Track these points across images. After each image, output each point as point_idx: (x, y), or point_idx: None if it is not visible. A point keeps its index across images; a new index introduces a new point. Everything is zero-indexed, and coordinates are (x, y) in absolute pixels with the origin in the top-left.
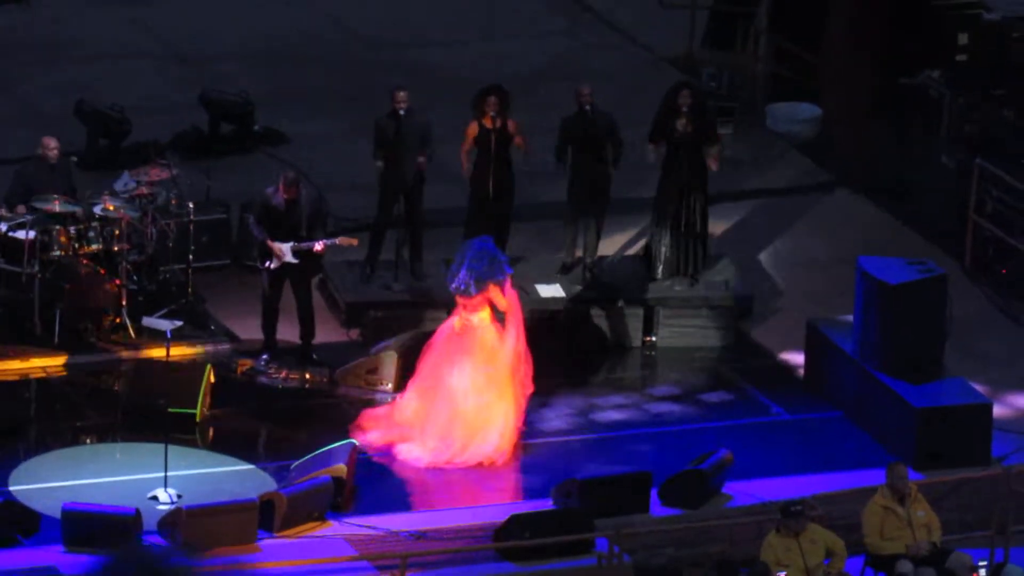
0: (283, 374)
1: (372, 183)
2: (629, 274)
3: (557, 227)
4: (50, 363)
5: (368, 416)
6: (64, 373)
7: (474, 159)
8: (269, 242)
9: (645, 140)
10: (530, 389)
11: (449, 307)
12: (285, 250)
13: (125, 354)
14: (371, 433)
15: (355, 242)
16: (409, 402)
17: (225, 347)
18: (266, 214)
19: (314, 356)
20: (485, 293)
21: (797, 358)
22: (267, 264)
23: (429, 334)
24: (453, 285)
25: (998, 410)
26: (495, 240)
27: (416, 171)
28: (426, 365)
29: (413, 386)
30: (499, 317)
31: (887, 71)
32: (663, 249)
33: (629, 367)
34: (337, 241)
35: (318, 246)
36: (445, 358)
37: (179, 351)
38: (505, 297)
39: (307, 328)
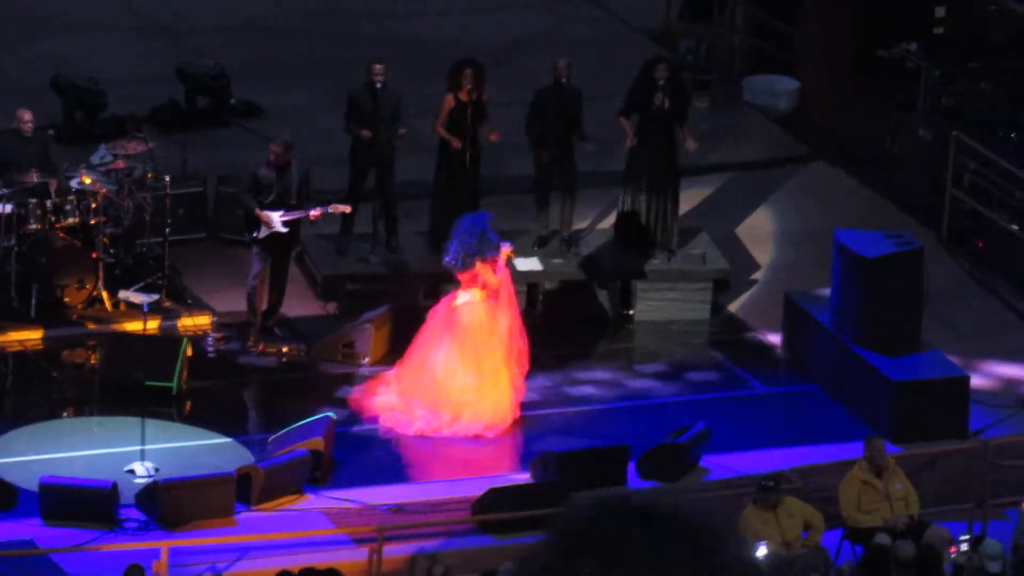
0: (260, 347)
1: (346, 156)
2: (605, 247)
3: (527, 200)
4: (27, 336)
5: (363, 386)
6: (41, 347)
7: (447, 131)
8: (257, 211)
9: (616, 115)
10: (525, 367)
11: (424, 279)
12: (274, 219)
13: (101, 327)
14: (365, 401)
15: (348, 209)
16: (402, 372)
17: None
18: (255, 183)
19: (276, 330)
20: (473, 270)
21: (774, 331)
22: (255, 234)
23: (406, 306)
24: (445, 259)
25: (975, 382)
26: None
27: (389, 143)
28: (419, 338)
29: (408, 356)
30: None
31: (864, 43)
32: (635, 222)
33: (606, 341)
34: (331, 208)
35: (314, 212)
36: (433, 334)
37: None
38: (496, 275)
39: (276, 299)
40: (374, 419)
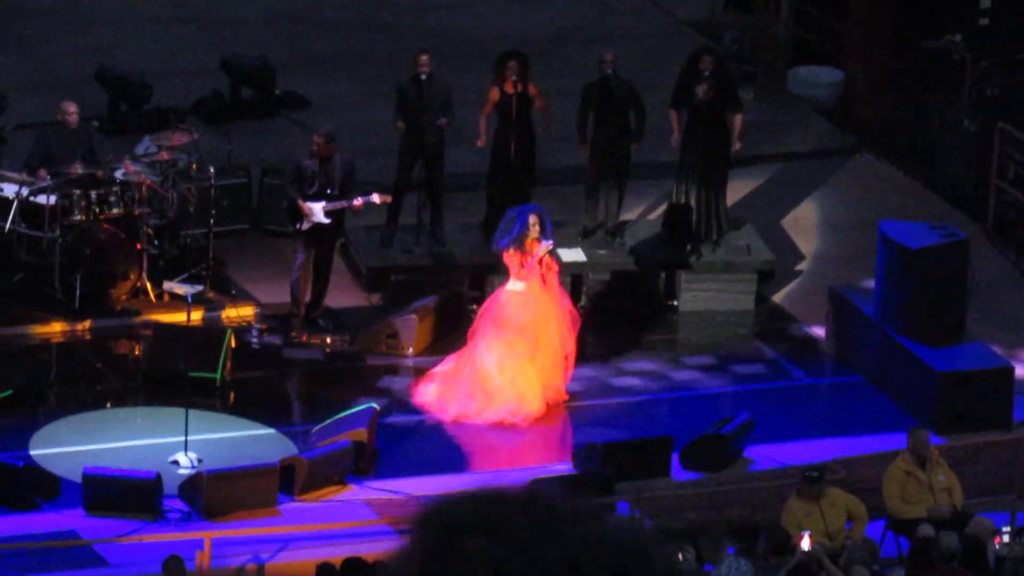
0: (303, 338)
1: (393, 147)
2: (651, 239)
3: (577, 192)
4: (71, 328)
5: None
6: (85, 338)
7: (495, 126)
8: (300, 202)
9: (667, 106)
10: (570, 347)
11: (469, 271)
12: (316, 210)
13: (146, 319)
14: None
15: (389, 199)
16: (456, 359)
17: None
18: (299, 175)
19: (320, 321)
20: (506, 258)
21: (819, 322)
22: (298, 226)
23: (450, 298)
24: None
25: (1020, 373)
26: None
27: (436, 134)
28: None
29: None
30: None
31: (909, 35)
32: (685, 214)
33: (651, 331)
34: (373, 198)
35: (356, 202)
36: (479, 322)
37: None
38: (527, 267)
39: (320, 291)
40: (419, 409)
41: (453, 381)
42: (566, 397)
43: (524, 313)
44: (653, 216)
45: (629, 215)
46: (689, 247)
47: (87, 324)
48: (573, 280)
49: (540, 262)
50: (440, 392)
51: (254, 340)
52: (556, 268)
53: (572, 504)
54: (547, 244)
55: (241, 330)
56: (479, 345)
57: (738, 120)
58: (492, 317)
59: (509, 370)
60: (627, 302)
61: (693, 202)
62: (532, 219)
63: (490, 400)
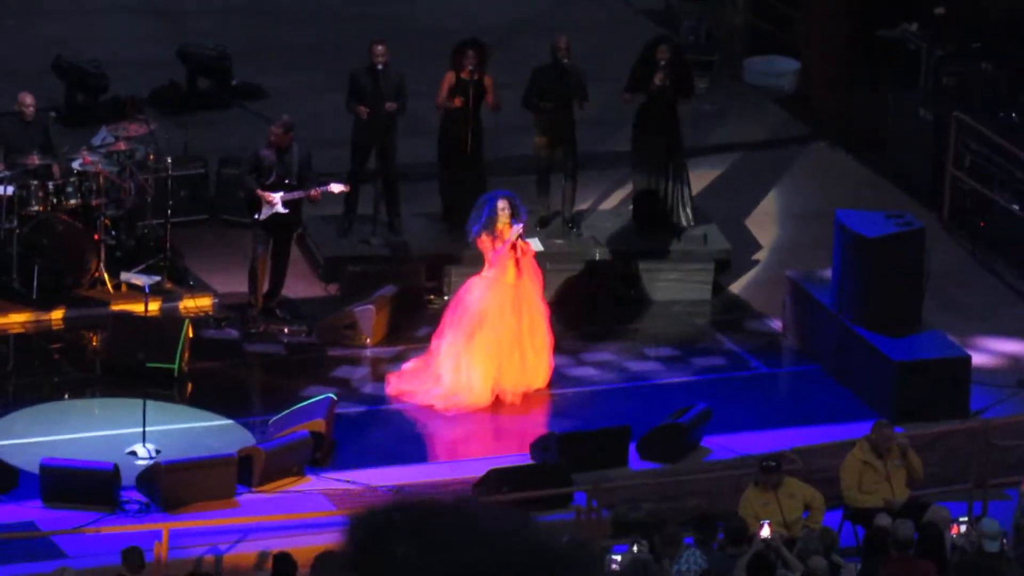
0: (261, 328)
1: (347, 138)
2: (607, 228)
3: (529, 181)
4: (28, 318)
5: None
6: (42, 328)
7: (445, 112)
8: (259, 191)
9: (620, 95)
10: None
11: (426, 261)
12: (276, 199)
13: (103, 309)
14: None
15: (346, 188)
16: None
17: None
18: (256, 165)
19: (277, 312)
20: (480, 245)
21: (776, 312)
22: (256, 216)
23: (408, 288)
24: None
25: (976, 362)
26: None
27: (390, 124)
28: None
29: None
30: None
31: (865, 24)
32: (653, 203)
33: (609, 321)
34: (331, 187)
35: (314, 192)
36: (447, 309)
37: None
38: (497, 253)
39: (278, 281)
40: (382, 398)
41: (421, 370)
42: (542, 388)
43: (488, 299)
44: (608, 205)
45: (584, 204)
46: (646, 236)
47: (45, 315)
48: None
49: (513, 247)
50: (409, 382)
51: (211, 333)
52: (532, 252)
53: (501, 513)
54: (517, 228)
55: (199, 320)
56: (442, 332)
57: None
58: (454, 302)
59: (457, 357)
60: (585, 292)
61: (655, 189)
62: (501, 204)
63: (437, 385)
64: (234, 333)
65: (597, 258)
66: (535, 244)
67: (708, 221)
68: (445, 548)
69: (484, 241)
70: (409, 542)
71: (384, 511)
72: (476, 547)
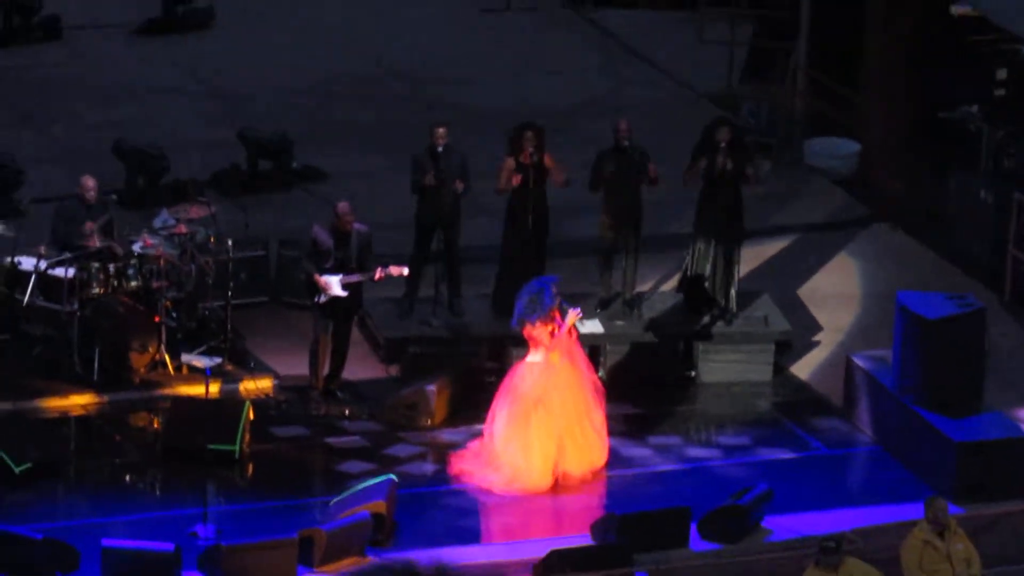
0: (323, 410)
1: (409, 220)
2: (668, 309)
3: (593, 261)
4: (89, 401)
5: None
6: (103, 411)
7: (510, 196)
8: (316, 276)
9: (680, 177)
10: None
11: (487, 342)
12: (333, 284)
13: (164, 391)
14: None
15: (405, 271)
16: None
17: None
18: (316, 248)
19: (338, 394)
20: (529, 331)
21: (836, 393)
22: (316, 299)
23: (469, 369)
24: (512, 322)
25: None
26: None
27: (453, 204)
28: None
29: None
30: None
31: (925, 106)
32: (699, 284)
33: (669, 402)
34: (391, 270)
35: (377, 275)
36: (500, 393)
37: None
38: (555, 337)
39: (339, 363)
40: (442, 479)
41: (480, 453)
42: (602, 467)
43: (542, 383)
44: (669, 286)
45: (645, 285)
46: (707, 318)
47: (106, 397)
48: (591, 351)
49: (568, 331)
50: (470, 464)
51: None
52: (576, 334)
53: None
54: (576, 311)
55: (259, 402)
56: (494, 418)
57: (752, 178)
58: (506, 389)
59: (511, 441)
60: (645, 373)
61: (707, 271)
62: (554, 289)
63: (498, 470)
64: (295, 414)
65: (658, 339)
66: (594, 326)
67: (769, 303)
68: None
69: (539, 327)
70: None
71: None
72: None
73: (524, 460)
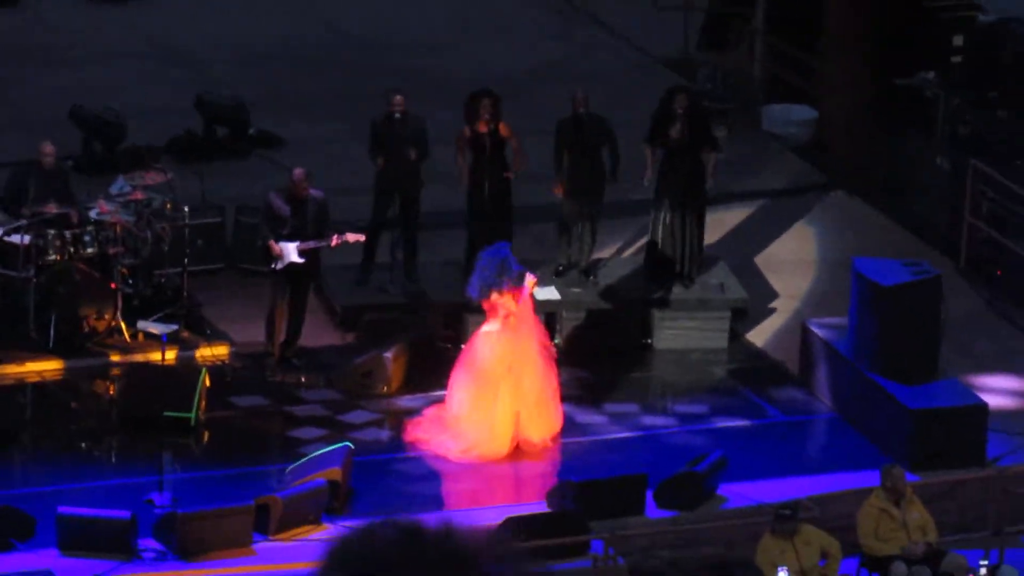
0: (279, 377)
1: (367, 186)
2: (624, 277)
3: (551, 230)
4: (45, 367)
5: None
6: (59, 377)
7: (470, 163)
8: (272, 243)
9: (641, 142)
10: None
11: (443, 309)
12: (289, 251)
13: (120, 358)
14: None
15: (361, 237)
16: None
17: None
18: (272, 215)
19: (294, 361)
20: (493, 300)
21: (792, 359)
22: (273, 265)
23: (425, 337)
24: (467, 291)
25: (992, 410)
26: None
27: (412, 172)
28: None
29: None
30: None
31: (882, 73)
32: (663, 251)
33: (625, 369)
34: (347, 237)
35: (334, 241)
36: (459, 362)
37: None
38: (519, 304)
39: (295, 330)
40: (401, 446)
41: (437, 420)
42: (555, 434)
43: (509, 352)
44: (627, 254)
45: (603, 253)
46: (668, 286)
47: (61, 364)
48: (547, 318)
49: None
50: (426, 431)
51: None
52: (532, 302)
53: (487, 544)
54: (533, 277)
55: (215, 369)
56: (455, 385)
57: (712, 159)
58: (468, 357)
59: (476, 410)
60: (601, 340)
61: (670, 239)
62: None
63: (455, 438)
64: (251, 381)
65: (614, 306)
66: (550, 292)
67: (725, 270)
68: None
69: (502, 295)
70: (395, 572)
71: (369, 539)
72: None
73: (488, 428)
